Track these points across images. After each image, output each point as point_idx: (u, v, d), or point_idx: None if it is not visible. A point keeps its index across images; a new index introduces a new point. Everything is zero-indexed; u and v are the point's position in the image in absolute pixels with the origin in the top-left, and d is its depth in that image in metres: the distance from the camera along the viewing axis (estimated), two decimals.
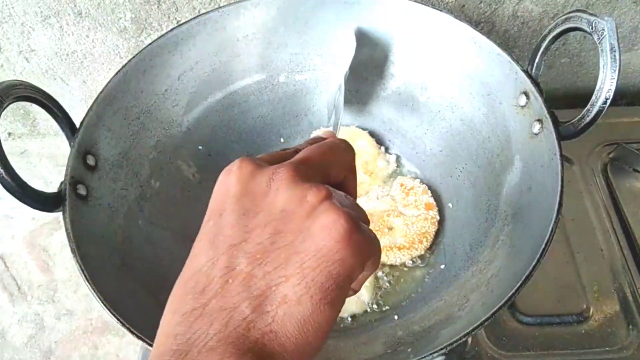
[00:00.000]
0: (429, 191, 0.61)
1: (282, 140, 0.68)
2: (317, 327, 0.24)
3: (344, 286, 0.24)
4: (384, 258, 0.57)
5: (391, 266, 0.58)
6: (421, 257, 0.58)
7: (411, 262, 0.58)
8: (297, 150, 0.30)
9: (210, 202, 0.27)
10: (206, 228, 0.26)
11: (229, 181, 0.27)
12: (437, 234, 0.59)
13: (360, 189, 0.63)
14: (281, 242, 0.24)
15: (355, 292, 0.30)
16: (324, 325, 0.24)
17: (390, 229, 0.59)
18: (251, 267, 0.24)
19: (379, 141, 0.66)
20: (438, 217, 0.59)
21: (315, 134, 0.35)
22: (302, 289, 0.24)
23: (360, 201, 0.61)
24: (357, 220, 0.26)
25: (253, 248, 0.24)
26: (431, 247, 0.58)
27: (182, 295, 0.25)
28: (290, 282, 0.24)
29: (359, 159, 0.64)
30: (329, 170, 0.29)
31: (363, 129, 0.66)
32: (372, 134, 0.66)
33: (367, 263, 0.26)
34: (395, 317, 0.54)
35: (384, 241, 0.58)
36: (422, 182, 0.62)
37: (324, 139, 0.33)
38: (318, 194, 0.25)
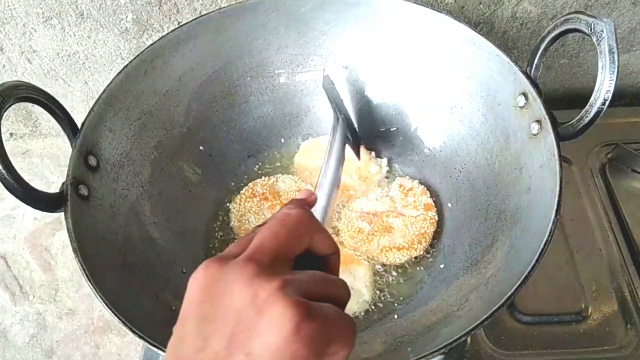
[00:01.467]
0: (428, 192, 0.61)
1: (282, 140, 0.68)
2: None
3: None
4: (383, 259, 0.57)
5: (391, 266, 0.58)
6: (421, 257, 0.58)
7: (411, 262, 0.58)
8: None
9: (180, 310, 0.28)
10: (172, 338, 0.27)
11: (192, 288, 0.27)
12: (436, 234, 0.59)
13: (357, 195, 0.63)
14: (235, 346, 0.24)
15: None
16: None
17: (389, 229, 0.59)
18: None
19: (371, 147, 0.67)
20: (437, 218, 0.59)
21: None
22: None
23: (360, 202, 0.62)
24: (308, 308, 0.25)
25: (209, 356, 0.25)
26: (430, 247, 0.59)
27: None
28: None
29: (351, 165, 0.64)
30: (289, 248, 0.29)
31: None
32: (368, 138, 0.67)
33: (332, 347, 0.25)
34: (395, 316, 0.54)
35: (383, 242, 0.58)
36: (421, 182, 0.63)
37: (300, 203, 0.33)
38: (267, 287, 0.25)
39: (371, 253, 0.58)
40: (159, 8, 0.66)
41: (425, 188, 0.62)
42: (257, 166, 0.67)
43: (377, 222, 0.59)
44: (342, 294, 0.29)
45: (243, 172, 0.66)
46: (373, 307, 0.55)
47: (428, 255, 0.58)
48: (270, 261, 0.27)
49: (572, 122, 0.47)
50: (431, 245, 0.59)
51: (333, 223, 0.62)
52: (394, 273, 0.58)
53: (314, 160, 0.65)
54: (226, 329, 0.25)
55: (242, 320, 0.25)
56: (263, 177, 0.64)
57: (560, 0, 0.66)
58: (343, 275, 0.56)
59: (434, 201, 0.61)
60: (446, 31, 0.56)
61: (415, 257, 0.58)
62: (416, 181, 0.62)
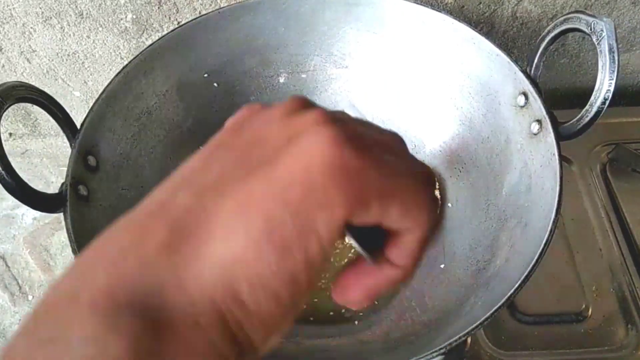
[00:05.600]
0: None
1: None
2: (255, 285, 0.17)
3: (311, 224, 0.17)
4: None
5: None
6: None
7: None
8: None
9: None
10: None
11: (227, 122, 0.22)
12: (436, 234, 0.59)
13: None
14: (239, 173, 0.18)
15: (381, 261, 0.21)
16: (271, 282, 0.17)
17: None
18: (188, 198, 0.18)
19: None
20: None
21: None
22: (236, 221, 0.17)
23: None
24: (360, 137, 0.19)
25: (203, 179, 0.19)
26: (430, 248, 0.58)
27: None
28: (224, 213, 0.17)
29: None
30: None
31: None
32: None
33: (387, 208, 0.18)
34: (395, 316, 0.54)
35: None
36: None
37: None
38: (312, 116, 0.19)
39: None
40: (159, 8, 0.66)
41: None
42: None
43: None
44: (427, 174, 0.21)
45: None
46: (371, 307, 0.55)
47: (428, 256, 0.58)
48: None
49: (572, 121, 0.47)
50: (431, 245, 0.58)
51: None
52: None
53: None
54: (240, 155, 0.19)
55: (263, 148, 0.19)
56: None
57: (560, 0, 0.66)
58: None
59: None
60: (446, 31, 0.56)
61: None
62: None
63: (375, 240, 0.21)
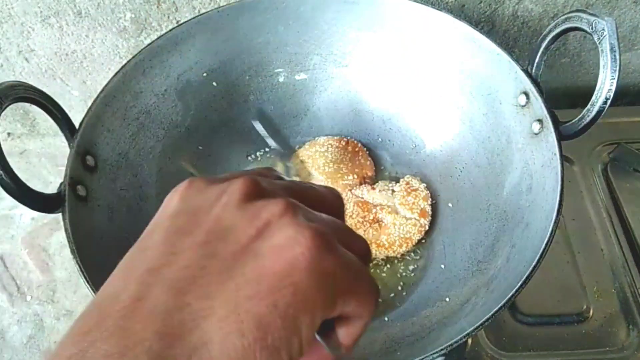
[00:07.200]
0: (430, 199, 0.60)
1: (281, 140, 0.67)
2: None
3: (296, 326, 0.18)
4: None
5: (391, 266, 0.57)
6: (421, 257, 0.58)
7: (411, 262, 0.58)
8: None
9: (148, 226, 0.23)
10: (130, 252, 0.21)
11: (172, 199, 0.23)
12: (437, 235, 0.59)
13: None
14: (215, 267, 0.19)
15: (341, 349, 0.23)
16: None
17: (378, 223, 0.59)
18: (167, 296, 0.18)
19: (370, 146, 0.67)
20: (427, 227, 0.58)
21: None
22: (230, 325, 0.18)
23: (363, 188, 0.61)
24: (330, 239, 0.20)
25: (175, 273, 0.19)
26: (431, 248, 0.58)
27: (73, 334, 0.19)
28: (216, 316, 0.18)
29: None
30: (302, 193, 0.24)
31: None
32: (367, 137, 0.66)
33: (348, 303, 0.20)
34: (395, 317, 0.54)
35: (367, 234, 0.57)
36: (427, 187, 0.61)
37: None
38: (275, 208, 0.20)
39: None
40: (158, 7, 0.66)
41: (429, 194, 0.60)
42: (256, 166, 0.66)
43: (369, 213, 0.59)
44: (366, 252, 0.24)
45: None
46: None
47: (429, 256, 0.58)
48: (277, 191, 0.23)
49: (573, 121, 0.47)
50: (432, 245, 0.58)
51: None
52: (393, 273, 0.57)
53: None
54: (206, 246, 0.20)
55: (233, 241, 0.20)
56: None
57: None
58: None
59: (432, 205, 0.60)
60: (447, 30, 0.56)
61: (415, 257, 0.58)
62: (423, 185, 0.61)
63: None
